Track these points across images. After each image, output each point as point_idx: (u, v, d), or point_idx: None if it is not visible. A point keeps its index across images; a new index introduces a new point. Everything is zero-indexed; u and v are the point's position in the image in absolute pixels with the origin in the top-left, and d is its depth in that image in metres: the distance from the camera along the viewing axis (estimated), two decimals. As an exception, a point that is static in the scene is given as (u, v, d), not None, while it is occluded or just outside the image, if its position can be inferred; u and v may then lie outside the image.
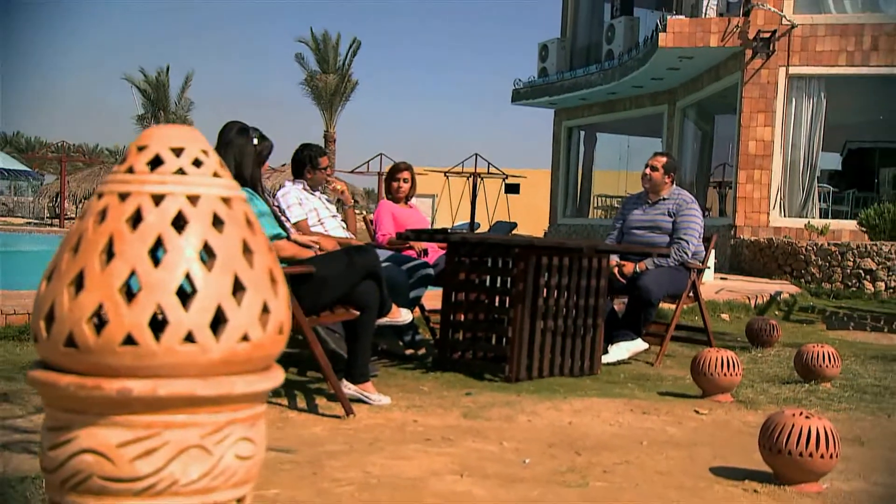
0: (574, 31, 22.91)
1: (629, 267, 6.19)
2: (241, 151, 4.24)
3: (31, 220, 41.44)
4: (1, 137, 69.75)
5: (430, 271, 5.91)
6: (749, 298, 10.45)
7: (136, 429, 1.14)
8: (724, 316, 9.51)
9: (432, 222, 33.55)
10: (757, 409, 4.84)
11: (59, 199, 37.42)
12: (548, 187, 24.45)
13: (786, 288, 12.43)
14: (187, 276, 1.14)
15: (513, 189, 29.58)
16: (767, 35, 15.60)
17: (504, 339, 5.36)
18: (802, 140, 16.05)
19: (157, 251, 1.15)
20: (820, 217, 16.13)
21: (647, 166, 6.55)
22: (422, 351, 5.81)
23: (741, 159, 16.08)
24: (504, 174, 26.34)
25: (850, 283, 13.40)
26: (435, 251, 6.17)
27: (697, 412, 4.73)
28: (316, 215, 5.66)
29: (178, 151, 1.20)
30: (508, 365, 5.22)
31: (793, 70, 15.77)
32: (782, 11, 15.66)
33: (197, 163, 1.22)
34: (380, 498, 2.95)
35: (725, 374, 4.97)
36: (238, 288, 1.19)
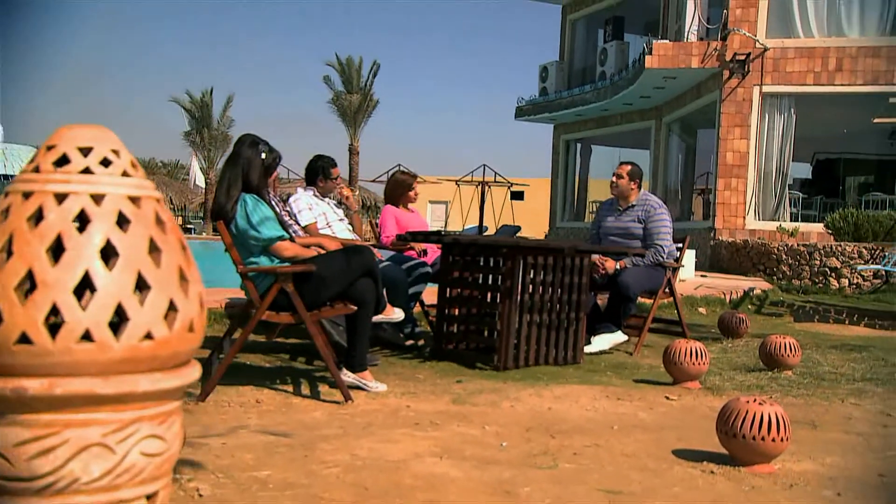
0: (571, 54, 22.77)
1: (611, 263, 6.06)
2: (249, 162, 4.14)
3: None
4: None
5: (429, 269, 5.79)
6: (724, 294, 10.27)
7: (34, 427, 1.01)
8: (702, 310, 9.34)
9: (445, 226, 33.42)
10: (722, 395, 4.68)
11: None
12: (548, 194, 24.29)
13: (759, 284, 12.25)
14: (88, 275, 1.02)
15: (518, 196, 29.39)
16: (743, 57, 15.43)
17: (493, 332, 5.22)
18: (774, 151, 15.87)
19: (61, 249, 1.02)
20: (791, 220, 15.94)
21: (614, 175, 6.42)
22: (421, 342, 5.69)
23: (720, 169, 15.90)
24: (509, 182, 26.17)
25: (817, 280, 13.21)
26: (434, 251, 6.05)
27: (668, 398, 4.58)
28: (325, 219, 5.56)
29: (85, 151, 1.08)
30: (497, 355, 5.09)
31: (766, 88, 15.59)
32: (756, 36, 15.49)
33: (105, 162, 1.09)
34: (364, 479, 2.82)
35: (694, 363, 4.82)
36: (142, 286, 1.06)
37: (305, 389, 4.37)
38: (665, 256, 6.20)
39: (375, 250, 5.89)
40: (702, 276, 13.26)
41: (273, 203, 4.99)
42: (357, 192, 31.45)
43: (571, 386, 4.75)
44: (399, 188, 6.36)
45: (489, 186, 24.95)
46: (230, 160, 4.19)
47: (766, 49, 15.48)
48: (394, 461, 3.03)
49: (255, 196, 4.10)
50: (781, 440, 3.11)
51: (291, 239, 4.23)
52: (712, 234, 15.81)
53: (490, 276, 5.34)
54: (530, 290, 5.20)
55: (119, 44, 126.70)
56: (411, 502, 2.63)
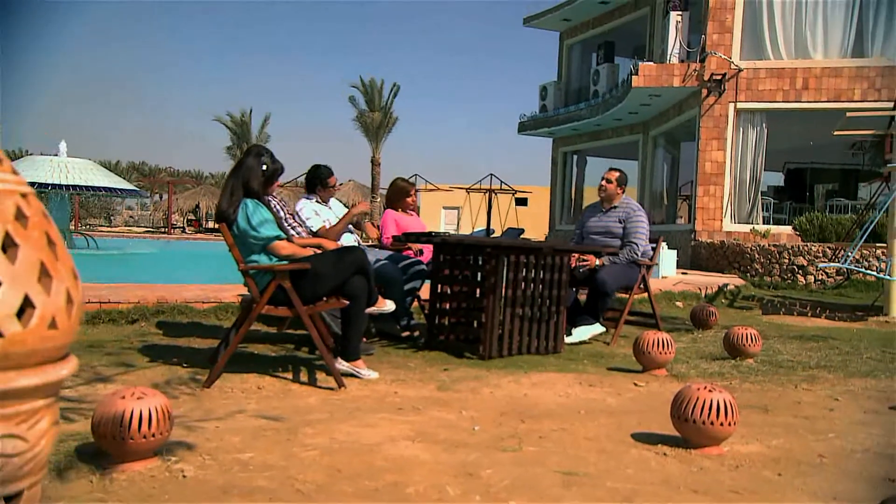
0: (568, 75, 22.59)
1: (592, 258, 5.94)
2: (251, 170, 4.03)
3: (149, 229, 41.79)
4: (130, 165, 71.07)
5: (424, 267, 5.67)
6: (700, 289, 10.08)
7: None
8: (679, 304, 9.16)
9: (457, 229, 33.27)
10: (685, 381, 4.53)
11: (168, 213, 37.61)
12: (548, 200, 24.10)
13: (733, 281, 12.04)
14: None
15: (522, 202, 29.26)
16: (719, 77, 15.22)
17: (479, 324, 5.09)
18: (748, 161, 15.64)
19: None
20: (763, 223, 15.71)
21: (602, 179, 6.29)
22: (416, 333, 5.56)
23: (699, 177, 15.68)
24: (514, 190, 25.98)
25: (786, 277, 13.00)
26: (430, 251, 5.92)
27: (636, 384, 4.44)
28: (329, 224, 5.45)
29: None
30: (482, 345, 4.95)
31: (740, 105, 15.36)
32: (731, 58, 15.26)
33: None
34: (338, 461, 2.70)
35: (661, 353, 4.68)
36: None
37: (304, 377, 4.26)
38: (640, 255, 6.06)
39: (375, 249, 5.79)
40: (683, 273, 13.06)
41: (280, 207, 4.89)
42: (379, 200, 31.35)
43: (549, 374, 4.61)
44: (399, 194, 6.25)
45: (496, 193, 24.79)
46: (234, 168, 4.10)
47: (740, 70, 15.25)
48: (369, 444, 2.91)
49: (256, 200, 4.00)
50: (729, 424, 2.97)
51: (289, 239, 4.11)
52: (693, 236, 15.59)
53: (476, 274, 5.20)
54: (513, 285, 5.06)
55: (172, 68, 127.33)
56: (379, 483, 2.51)
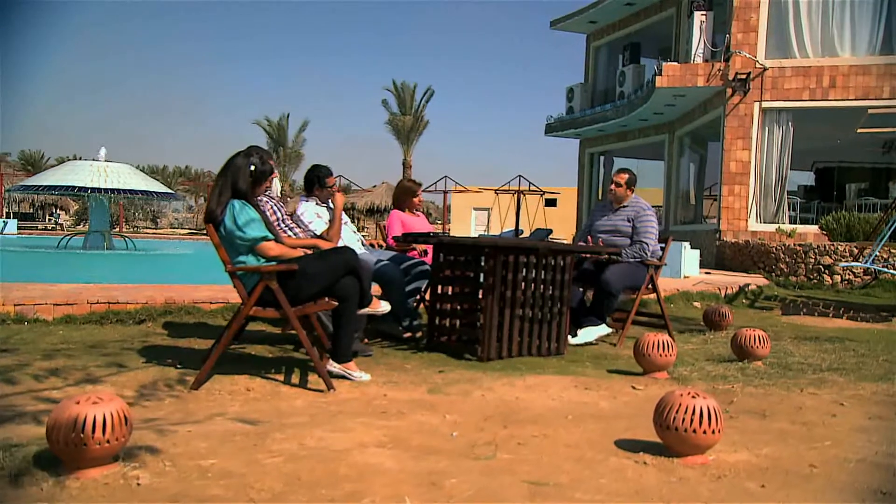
0: (594, 77, 22.28)
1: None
2: (239, 170, 3.92)
3: (192, 231, 42.30)
4: (176, 169, 71.99)
5: (428, 268, 5.53)
6: (720, 289, 9.79)
7: None
8: (696, 304, 8.89)
9: (486, 230, 33.06)
10: (687, 384, 4.33)
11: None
12: (576, 201, 23.81)
13: (757, 281, 11.70)
14: None
15: (551, 203, 28.99)
16: (744, 76, 14.84)
17: (478, 325, 4.93)
18: (774, 160, 15.22)
19: None
20: (790, 223, 15.29)
21: (612, 181, 6.10)
22: (419, 335, 5.42)
23: (724, 176, 15.31)
24: (542, 191, 25.73)
25: (812, 277, 12.60)
26: (435, 252, 5.79)
27: (634, 388, 4.25)
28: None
29: None
30: (480, 347, 4.80)
31: (765, 104, 14.96)
32: (756, 57, 14.86)
33: None
34: (300, 468, 2.57)
35: (661, 355, 4.49)
36: None
37: (295, 379, 4.14)
38: (648, 254, 5.85)
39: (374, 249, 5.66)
40: (706, 273, 12.76)
41: (277, 208, 4.79)
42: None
43: (545, 376, 4.44)
44: (405, 194, 6.12)
45: (524, 195, 24.56)
46: (223, 169, 3.99)
47: (765, 69, 14.86)
48: (337, 451, 2.77)
49: (243, 201, 3.89)
50: (713, 432, 2.78)
51: (277, 240, 4.00)
52: (717, 236, 15.23)
53: (475, 274, 5.04)
54: (512, 286, 4.90)
55: (210, 77, 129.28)
56: (336, 492, 2.37)
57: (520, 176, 24.14)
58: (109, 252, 16.51)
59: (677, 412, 2.79)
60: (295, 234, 4.74)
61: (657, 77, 15.51)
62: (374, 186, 34.41)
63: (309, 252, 4.13)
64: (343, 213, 5.35)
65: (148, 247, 19.17)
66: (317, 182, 5.12)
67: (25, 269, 11.04)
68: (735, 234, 15.07)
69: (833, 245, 12.64)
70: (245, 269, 3.84)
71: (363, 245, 5.53)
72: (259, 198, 4.70)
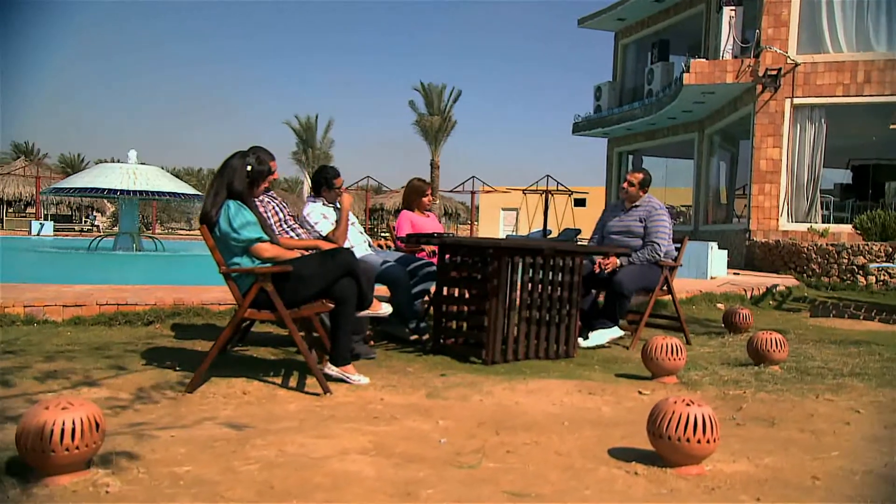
0: (623, 75, 22.01)
1: (614, 259, 5.59)
2: (234, 171, 3.88)
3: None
4: (210, 171, 72.85)
5: (435, 269, 5.44)
6: (746, 291, 9.55)
7: None
8: (720, 306, 8.66)
9: (515, 231, 32.87)
10: (697, 390, 4.20)
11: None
12: (605, 201, 23.57)
13: (787, 282, 11.42)
14: None
15: (580, 203, 28.73)
16: (775, 72, 14.51)
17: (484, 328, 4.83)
18: (806, 158, 14.86)
19: None
20: (823, 222, 14.91)
21: (625, 181, 5.96)
22: (426, 337, 5.33)
23: (754, 175, 14.99)
24: (570, 191, 25.49)
25: (845, 278, 12.27)
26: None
27: (640, 393, 4.12)
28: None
29: None
30: (485, 350, 4.70)
31: (797, 101, 14.61)
32: (787, 52, 14.53)
33: None
34: (275, 476, 2.50)
35: (670, 359, 4.35)
36: None
37: (293, 382, 4.08)
38: (661, 254, 5.70)
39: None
40: (734, 273, 12.49)
41: (280, 208, 4.75)
42: (438, 202, 31.24)
43: (549, 380, 4.32)
44: (414, 194, 6.05)
45: (552, 195, 24.35)
46: (219, 169, 3.95)
47: (797, 64, 14.51)
48: (316, 458, 2.70)
49: (239, 202, 3.84)
50: (709, 441, 2.66)
51: (273, 241, 3.94)
52: (747, 235, 14.92)
53: (480, 276, 4.95)
54: (518, 287, 4.79)
55: (246, 79, 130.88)
56: (308, 502, 2.30)
57: (548, 176, 23.97)
58: (138, 253, 16.69)
59: (670, 420, 2.67)
60: (298, 235, 4.69)
61: (685, 74, 15.25)
62: (403, 187, 34.51)
63: (308, 253, 4.08)
64: (350, 213, 5.29)
65: (177, 248, 19.36)
66: (324, 183, 5.07)
67: (51, 271, 11.20)
68: (765, 234, 14.75)
69: (867, 245, 12.29)
70: (239, 270, 3.79)
71: (370, 246, 5.47)
72: (262, 198, 4.68)
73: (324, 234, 4.99)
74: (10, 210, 42.68)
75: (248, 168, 3.92)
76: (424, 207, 6.05)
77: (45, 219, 34.16)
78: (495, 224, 35.71)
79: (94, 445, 2.42)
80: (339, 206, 5.16)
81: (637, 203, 5.86)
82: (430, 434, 3.13)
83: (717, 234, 16.49)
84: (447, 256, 5.05)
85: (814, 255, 12.75)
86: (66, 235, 26.50)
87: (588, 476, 2.63)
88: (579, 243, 6.20)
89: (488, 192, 28.15)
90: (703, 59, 15.52)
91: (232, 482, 2.44)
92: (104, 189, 17.04)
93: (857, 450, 3.06)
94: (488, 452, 2.86)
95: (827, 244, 12.74)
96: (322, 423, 3.25)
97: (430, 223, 5.98)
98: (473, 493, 2.42)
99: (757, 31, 14.92)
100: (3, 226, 35.64)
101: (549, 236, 19.73)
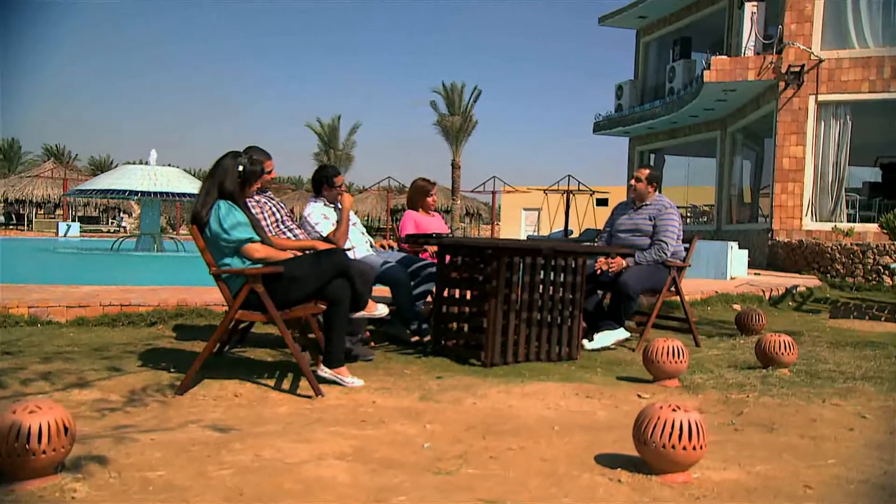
0: (644, 73, 21.80)
1: (619, 260, 5.48)
2: (226, 171, 3.85)
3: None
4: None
5: (435, 270, 5.38)
6: (764, 291, 9.38)
7: None
8: (736, 307, 8.50)
9: (536, 231, 32.68)
10: (698, 393, 4.10)
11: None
12: (627, 201, 23.32)
13: (810, 282, 11.21)
14: None
15: (602, 202, 28.51)
16: (798, 69, 14.27)
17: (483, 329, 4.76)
18: (831, 156, 14.59)
19: None
20: (848, 221, 14.62)
21: (633, 178, 5.85)
22: (427, 339, 5.26)
23: (777, 174, 14.76)
24: (591, 190, 25.30)
25: (870, 278, 12.03)
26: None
27: (640, 396, 4.03)
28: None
29: None
30: (484, 352, 4.62)
31: (821, 97, 14.35)
32: (811, 48, 14.27)
33: None
34: (246, 482, 2.45)
35: (671, 362, 4.25)
36: None
37: (286, 384, 4.04)
38: (668, 254, 5.58)
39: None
40: (755, 274, 12.29)
41: (277, 209, 4.72)
42: (459, 202, 31.18)
43: (547, 383, 4.24)
44: (418, 194, 5.99)
45: (573, 194, 24.18)
46: (211, 170, 3.92)
47: (821, 60, 14.25)
48: (291, 463, 2.65)
49: (230, 203, 3.82)
50: (695, 448, 2.57)
51: (265, 242, 3.91)
52: (770, 235, 14.68)
53: (480, 276, 4.87)
54: (518, 288, 4.72)
55: (263, 82, 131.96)
56: (275, 508, 2.26)
57: (569, 175, 23.80)
58: (159, 254, 16.83)
59: (655, 426, 2.59)
60: (295, 236, 4.65)
61: (705, 72, 15.05)
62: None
63: (302, 254, 4.04)
64: (351, 213, 5.25)
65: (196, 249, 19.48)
66: (325, 182, 5.03)
67: (68, 272, 11.29)
68: (788, 234, 14.50)
69: (894, 244, 12.04)
70: (229, 271, 3.76)
71: (371, 246, 5.42)
72: (258, 198, 4.65)
73: (324, 234, 4.96)
74: (39, 212, 43.31)
75: (240, 168, 3.89)
76: (429, 207, 5.99)
77: (73, 220, 34.63)
78: (517, 224, 35.54)
79: (62, 450, 2.39)
80: (339, 206, 5.12)
81: (648, 201, 5.75)
82: (414, 438, 3.07)
83: (741, 233, 16.26)
84: (447, 257, 4.99)
85: (838, 255, 12.52)
86: (93, 236, 26.83)
87: (569, 483, 2.55)
88: (586, 243, 6.10)
89: (509, 192, 28.03)
90: (724, 56, 15.30)
91: (202, 488, 2.40)
92: (125, 191, 17.20)
93: (856, 457, 2.95)
94: (470, 458, 2.80)
95: (852, 244, 12.50)
96: (307, 426, 3.21)
97: (434, 223, 5.92)
98: (447, 499, 2.36)
99: (780, 26, 14.68)
100: (31, 227, 36.17)
101: (570, 236, 19.59)
